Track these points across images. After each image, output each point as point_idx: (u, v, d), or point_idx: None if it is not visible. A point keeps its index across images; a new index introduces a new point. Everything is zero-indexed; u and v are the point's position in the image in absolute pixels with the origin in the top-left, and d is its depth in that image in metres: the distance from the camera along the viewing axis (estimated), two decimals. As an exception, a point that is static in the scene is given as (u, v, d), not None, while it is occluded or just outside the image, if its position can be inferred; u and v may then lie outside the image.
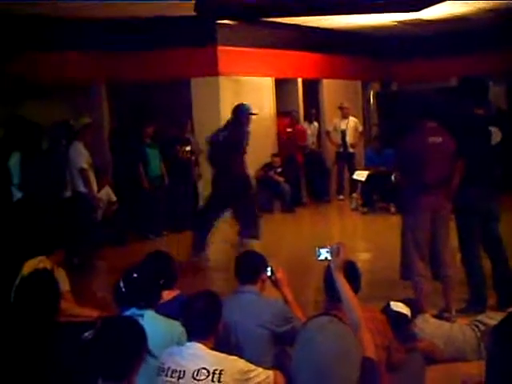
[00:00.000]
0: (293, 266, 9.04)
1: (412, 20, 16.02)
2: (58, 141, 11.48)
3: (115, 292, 4.77)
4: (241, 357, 4.29)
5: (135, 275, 4.76)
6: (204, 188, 14.57)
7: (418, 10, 14.07)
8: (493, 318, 6.06)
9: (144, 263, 5.53)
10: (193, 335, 4.16)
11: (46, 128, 11.32)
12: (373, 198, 15.40)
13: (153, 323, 4.50)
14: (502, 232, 7.74)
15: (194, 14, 13.03)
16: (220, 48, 14.74)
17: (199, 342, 4.12)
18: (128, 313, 4.53)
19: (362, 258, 11.28)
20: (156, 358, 3.83)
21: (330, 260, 4.07)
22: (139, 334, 3.35)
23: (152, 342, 3.84)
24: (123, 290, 4.70)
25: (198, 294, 4.45)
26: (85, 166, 10.96)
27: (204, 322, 4.18)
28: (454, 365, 6.25)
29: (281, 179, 15.48)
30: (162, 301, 5.02)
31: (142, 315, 4.52)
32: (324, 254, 4.10)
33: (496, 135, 7.43)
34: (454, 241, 7.57)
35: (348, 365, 2.78)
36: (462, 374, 5.41)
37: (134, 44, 14.30)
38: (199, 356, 4.04)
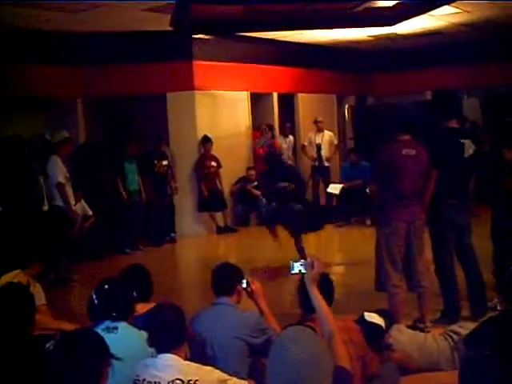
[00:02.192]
0: (269, 279, 9.07)
1: (387, 34, 16.14)
2: (35, 155, 11.49)
3: (88, 305, 4.79)
4: (216, 368, 4.32)
5: (106, 287, 4.77)
6: (180, 201, 14.64)
7: (392, 24, 14.19)
8: (465, 328, 6.11)
9: (119, 276, 5.55)
10: (160, 347, 4.17)
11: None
12: (348, 210, 15.48)
13: (127, 335, 4.52)
14: (475, 243, 7.82)
15: (170, 28, 13.08)
16: (196, 62, 14.79)
17: (172, 353, 4.14)
18: (102, 326, 4.54)
19: (338, 270, 11.35)
20: (125, 367, 3.82)
21: (303, 273, 4.11)
22: (97, 345, 3.32)
23: (126, 354, 3.86)
24: (95, 302, 4.72)
25: (159, 307, 4.47)
26: (62, 180, 10.96)
27: (169, 333, 4.19)
28: (428, 374, 6.28)
29: (257, 192, 15.51)
30: (137, 314, 5.03)
31: (116, 327, 4.54)
32: (297, 267, 4.15)
33: (469, 147, 7.51)
34: (428, 252, 7.63)
35: (320, 374, 2.81)
36: (437, 384, 5.45)
37: (110, 58, 14.34)
38: (174, 367, 4.06)
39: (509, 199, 7.68)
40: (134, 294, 4.97)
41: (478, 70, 18.28)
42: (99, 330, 4.34)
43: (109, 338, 3.89)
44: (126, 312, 4.75)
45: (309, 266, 4.04)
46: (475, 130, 14.49)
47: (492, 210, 7.86)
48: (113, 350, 3.31)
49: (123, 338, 4.46)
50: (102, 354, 3.27)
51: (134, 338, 4.53)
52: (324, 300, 4.01)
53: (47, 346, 3.19)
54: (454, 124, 7.60)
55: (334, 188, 15.07)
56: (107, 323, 4.57)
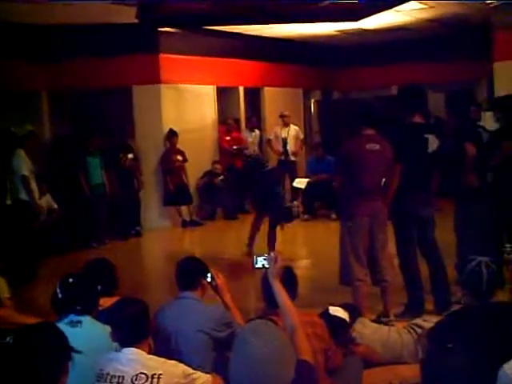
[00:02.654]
0: (235, 273, 9.08)
1: (353, 29, 16.20)
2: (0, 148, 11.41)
3: (52, 299, 4.77)
4: (181, 361, 4.33)
5: (70, 280, 4.75)
6: (145, 195, 14.60)
7: (357, 19, 14.24)
8: (429, 321, 6.18)
9: (83, 270, 5.54)
10: (124, 341, 4.17)
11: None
12: (314, 205, 15.53)
13: (91, 329, 4.51)
14: (439, 237, 7.88)
15: (135, 21, 13.02)
16: (162, 56, 14.75)
17: (135, 347, 4.14)
18: (66, 320, 4.53)
19: (304, 264, 11.39)
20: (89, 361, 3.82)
21: (267, 267, 4.12)
22: (57, 338, 3.30)
23: (90, 348, 3.87)
24: (59, 296, 4.70)
25: (123, 301, 4.47)
26: (26, 173, 10.87)
27: (133, 327, 4.19)
28: (391, 368, 6.33)
29: (223, 186, 15.51)
30: (101, 308, 5.02)
31: (80, 321, 4.53)
32: (261, 261, 4.16)
33: (433, 142, 7.56)
34: (391, 246, 7.68)
35: (281, 366, 2.84)
36: (400, 377, 5.49)
37: (76, 51, 14.25)
38: (137, 361, 4.06)
39: (472, 194, 7.74)
40: (99, 287, 4.96)
41: (444, 65, 18.42)
42: (63, 324, 4.33)
43: (73, 332, 3.89)
44: (90, 306, 4.75)
45: (272, 261, 4.05)
46: (440, 125, 14.58)
47: (455, 204, 7.92)
48: (76, 344, 3.29)
49: (87, 331, 4.46)
50: (62, 348, 3.25)
51: (98, 331, 4.52)
52: (288, 294, 4.03)
53: (7, 339, 3.17)
54: (418, 119, 7.65)
55: (300, 182, 15.11)
56: (71, 317, 4.56)
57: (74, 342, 3.28)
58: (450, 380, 3.36)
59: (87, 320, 4.59)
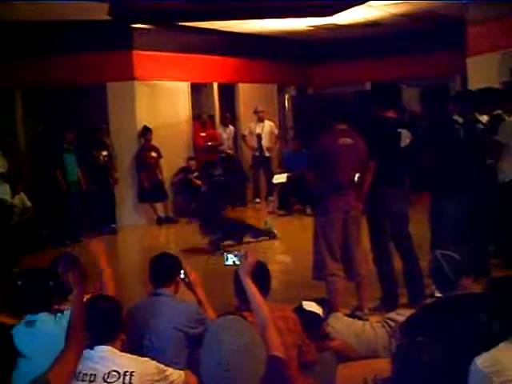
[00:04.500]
0: (208, 269, 9.07)
1: (327, 25, 16.22)
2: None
3: (7, 300, 4.75)
4: (154, 358, 4.32)
5: (19, 283, 4.72)
6: (120, 192, 14.56)
7: (331, 14, 14.27)
8: (402, 315, 6.19)
9: (48, 267, 5.49)
10: (96, 339, 4.16)
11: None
12: (290, 200, 15.53)
13: (44, 328, 4.45)
14: (413, 231, 7.92)
15: (108, 18, 12.97)
16: (135, 52, 14.71)
17: (108, 344, 4.12)
18: (24, 320, 4.50)
19: (279, 259, 11.41)
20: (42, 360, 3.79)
21: (237, 265, 4.12)
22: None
23: (43, 346, 3.83)
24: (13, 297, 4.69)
25: (95, 299, 4.46)
26: (2, 170, 10.82)
27: (105, 325, 4.17)
28: (366, 362, 6.36)
29: (198, 183, 15.48)
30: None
31: (34, 321, 4.48)
32: (231, 258, 4.16)
33: (405, 137, 7.58)
34: (365, 241, 7.71)
35: (251, 361, 2.84)
36: (374, 371, 5.50)
37: (49, 48, 14.17)
38: (109, 359, 4.04)
39: (448, 187, 7.75)
40: (51, 284, 4.89)
41: (418, 60, 18.49)
42: (21, 325, 4.33)
43: (28, 331, 3.86)
44: (44, 305, 4.67)
45: (242, 258, 4.05)
46: (414, 120, 14.64)
47: (430, 198, 7.95)
48: (31, 344, 3.26)
49: (40, 330, 4.41)
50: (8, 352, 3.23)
51: (51, 329, 4.43)
52: (260, 289, 4.02)
53: None
54: (391, 114, 7.67)
55: (280, 177, 15.11)
56: (28, 317, 4.52)
57: (29, 341, 3.25)
58: (421, 373, 3.38)
59: (41, 319, 4.52)
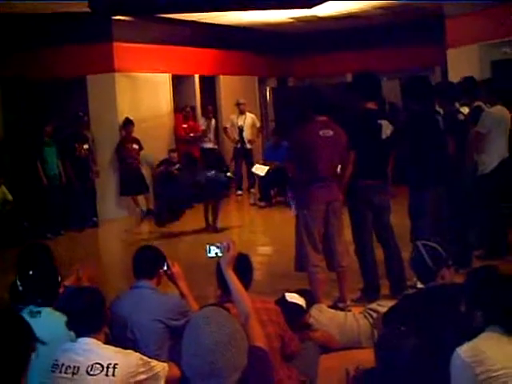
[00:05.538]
0: (191, 261, 9.07)
1: (307, 17, 16.23)
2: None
3: (11, 291, 4.74)
4: (137, 350, 4.32)
5: (31, 273, 4.72)
6: (101, 185, 14.52)
7: (310, 6, 14.27)
8: (384, 306, 6.23)
9: (17, 257, 5.50)
10: (79, 331, 4.16)
11: None
12: (271, 192, 15.55)
13: (50, 319, 4.48)
14: (395, 222, 7.95)
15: (88, 9, 12.91)
16: (116, 44, 14.65)
17: (91, 337, 4.12)
18: (26, 310, 4.50)
19: (261, 251, 11.43)
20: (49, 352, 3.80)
21: (219, 256, 4.12)
22: (22, 327, 3.27)
23: (50, 337, 3.84)
24: (20, 288, 4.67)
25: (78, 291, 4.46)
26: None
27: (88, 317, 4.16)
28: (348, 352, 6.40)
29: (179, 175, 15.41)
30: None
31: (39, 312, 4.51)
32: (214, 250, 4.15)
33: (386, 128, 7.60)
34: (347, 232, 7.73)
35: (233, 353, 2.85)
36: (357, 362, 5.54)
37: (28, 41, 14.09)
38: (93, 351, 4.04)
39: (427, 179, 7.78)
40: (59, 279, 4.92)
41: (398, 52, 18.56)
42: (23, 314, 4.31)
43: (32, 321, 3.86)
44: (51, 297, 4.71)
45: (225, 249, 4.05)
46: (394, 111, 14.70)
47: (409, 189, 7.98)
48: (36, 334, 3.27)
49: (46, 321, 4.43)
50: (27, 338, 3.23)
51: (57, 321, 4.48)
52: (242, 281, 4.03)
53: None
54: (372, 106, 7.69)
55: (260, 169, 15.07)
56: (31, 308, 4.53)
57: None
58: (403, 363, 3.40)
59: (46, 310, 4.57)
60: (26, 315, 4.32)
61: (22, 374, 3.14)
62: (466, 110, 9.06)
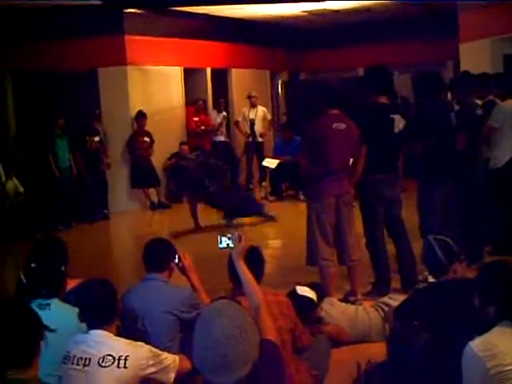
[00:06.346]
0: (203, 254, 9.07)
1: (319, 10, 16.20)
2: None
3: (18, 286, 4.75)
4: (148, 343, 4.33)
5: (33, 265, 4.73)
6: (113, 178, 14.54)
7: (323, 0, 14.24)
8: (395, 300, 6.24)
9: (31, 250, 5.52)
10: (91, 323, 4.17)
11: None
12: (282, 186, 15.54)
13: (60, 312, 4.50)
14: (406, 217, 7.93)
15: (100, 2, 12.91)
16: (128, 37, 14.64)
17: (102, 329, 4.13)
18: (35, 303, 4.51)
19: (273, 244, 11.43)
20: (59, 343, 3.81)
21: (231, 247, 4.11)
22: (31, 316, 3.28)
23: (61, 329, 3.85)
24: (24, 282, 4.68)
25: (90, 283, 4.45)
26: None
27: (100, 309, 4.18)
28: (359, 346, 6.40)
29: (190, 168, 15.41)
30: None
31: (48, 304, 4.52)
32: (225, 241, 4.14)
33: (399, 123, 7.58)
34: (358, 225, 7.72)
35: (246, 346, 2.85)
36: (368, 355, 5.53)
37: (41, 33, 14.09)
38: (104, 343, 4.05)
39: (439, 173, 7.77)
40: (63, 268, 4.92)
41: (410, 47, 18.50)
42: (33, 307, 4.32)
43: (42, 314, 3.87)
44: (57, 289, 4.72)
45: (236, 240, 4.04)
46: (406, 105, 14.65)
47: (418, 184, 7.96)
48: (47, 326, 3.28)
49: (56, 313, 4.44)
50: (36, 327, 3.24)
51: (67, 313, 4.50)
52: (254, 274, 4.02)
53: None
54: (384, 100, 7.67)
55: (271, 162, 15.08)
56: (39, 301, 4.54)
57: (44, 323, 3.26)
58: (414, 357, 3.40)
59: (55, 302, 4.58)
60: (35, 308, 4.34)
61: (34, 361, 3.16)
62: (479, 103, 9.03)
